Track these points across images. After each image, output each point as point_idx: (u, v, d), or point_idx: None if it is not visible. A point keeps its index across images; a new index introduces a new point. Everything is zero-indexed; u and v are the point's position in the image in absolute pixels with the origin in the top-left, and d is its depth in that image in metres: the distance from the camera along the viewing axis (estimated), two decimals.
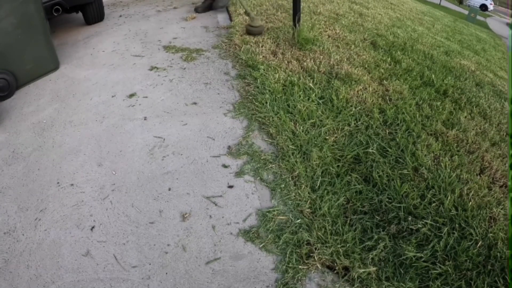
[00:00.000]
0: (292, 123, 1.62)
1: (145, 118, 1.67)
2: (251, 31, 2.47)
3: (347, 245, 1.11)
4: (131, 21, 2.95)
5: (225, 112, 1.73)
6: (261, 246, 1.11)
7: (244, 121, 1.66)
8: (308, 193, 1.29)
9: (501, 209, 1.33)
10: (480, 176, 1.50)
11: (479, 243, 1.16)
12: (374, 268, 1.06)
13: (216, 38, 2.56)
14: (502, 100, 2.47)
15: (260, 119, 1.65)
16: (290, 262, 1.06)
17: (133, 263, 1.05)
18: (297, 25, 2.40)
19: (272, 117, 1.64)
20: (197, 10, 3.11)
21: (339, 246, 1.11)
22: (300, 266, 1.05)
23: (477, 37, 7.57)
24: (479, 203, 1.33)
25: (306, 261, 1.06)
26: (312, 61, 2.20)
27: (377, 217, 1.24)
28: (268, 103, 1.72)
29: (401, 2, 6.86)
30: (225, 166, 1.40)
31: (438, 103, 2.05)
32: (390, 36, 3.30)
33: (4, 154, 1.47)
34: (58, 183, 1.33)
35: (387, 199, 1.30)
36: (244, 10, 2.55)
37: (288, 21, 2.92)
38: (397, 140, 1.60)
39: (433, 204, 1.29)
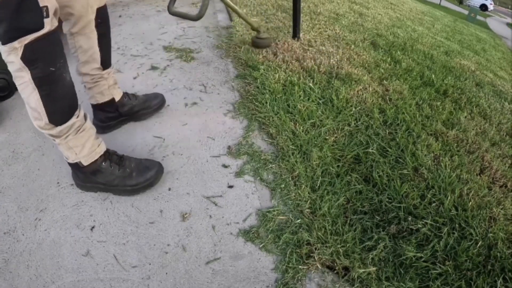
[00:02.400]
0: (292, 123, 1.62)
1: (145, 118, 1.67)
2: (257, 43, 2.31)
3: (347, 245, 1.11)
4: (131, 21, 2.95)
5: (225, 112, 1.73)
6: (261, 246, 1.11)
7: (244, 121, 1.66)
8: (308, 193, 1.29)
9: (501, 209, 1.33)
10: (480, 176, 1.50)
11: (479, 243, 1.16)
12: (374, 268, 1.06)
13: (216, 38, 2.56)
14: (502, 100, 2.47)
15: (260, 119, 1.65)
16: (290, 262, 1.06)
17: (133, 263, 1.05)
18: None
19: (272, 117, 1.64)
20: None
21: (339, 246, 1.11)
22: (300, 266, 1.05)
23: (477, 37, 7.58)
24: (479, 203, 1.33)
25: (306, 261, 1.06)
26: (312, 61, 2.20)
27: (377, 217, 1.24)
28: (268, 103, 1.72)
29: (401, 2, 6.87)
30: (225, 166, 1.40)
31: (438, 103, 2.05)
32: (390, 36, 3.30)
33: (4, 154, 1.47)
34: (58, 183, 1.33)
35: (387, 199, 1.30)
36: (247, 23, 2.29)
37: (288, 21, 2.92)
38: (397, 140, 1.61)
39: (433, 204, 1.29)
